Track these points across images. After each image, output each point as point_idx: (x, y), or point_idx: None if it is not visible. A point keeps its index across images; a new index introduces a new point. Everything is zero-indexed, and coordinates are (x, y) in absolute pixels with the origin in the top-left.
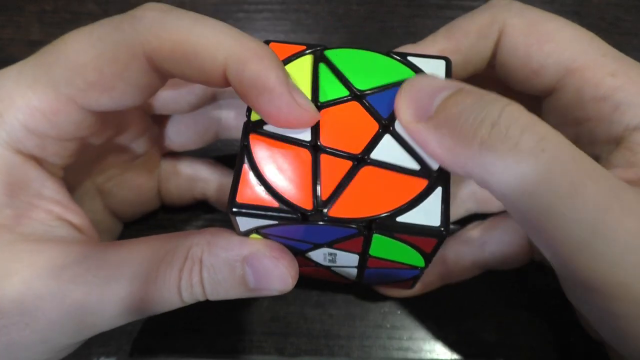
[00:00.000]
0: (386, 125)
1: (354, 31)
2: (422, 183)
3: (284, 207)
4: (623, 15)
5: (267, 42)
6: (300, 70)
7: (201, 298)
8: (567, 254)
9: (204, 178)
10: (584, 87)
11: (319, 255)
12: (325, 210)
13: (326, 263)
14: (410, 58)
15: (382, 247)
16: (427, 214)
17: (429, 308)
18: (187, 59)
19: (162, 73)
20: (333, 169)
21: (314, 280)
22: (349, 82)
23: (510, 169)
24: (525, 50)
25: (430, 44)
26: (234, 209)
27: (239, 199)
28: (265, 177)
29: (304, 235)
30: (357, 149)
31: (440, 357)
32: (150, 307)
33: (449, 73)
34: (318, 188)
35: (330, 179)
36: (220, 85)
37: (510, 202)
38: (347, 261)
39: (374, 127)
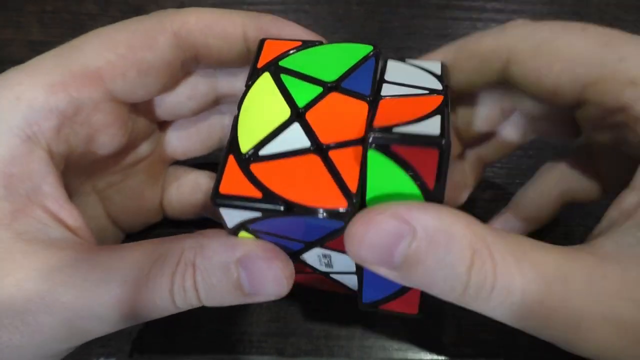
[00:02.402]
0: (373, 100)
1: (354, 31)
2: (439, 98)
3: (268, 198)
4: (623, 16)
5: (262, 40)
6: (265, 88)
7: (195, 304)
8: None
9: (206, 190)
10: (605, 99)
11: (314, 258)
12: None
13: (323, 268)
14: (407, 60)
15: (380, 184)
16: (426, 126)
17: (429, 308)
18: (210, 27)
19: (186, 48)
20: (348, 161)
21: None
22: (317, 79)
23: (490, 314)
24: (536, 74)
25: (438, 55)
26: (217, 200)
27: (222, 189)
28: (251, 169)
29: (292, 230)
30: (359, 132)
31: (440, 358)
32: (142, 313)
33: (444, 70)
34: (346, 185)
35: (350, 172)
36: (239, 51)
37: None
38: (344, 265)
39: (363, 106)
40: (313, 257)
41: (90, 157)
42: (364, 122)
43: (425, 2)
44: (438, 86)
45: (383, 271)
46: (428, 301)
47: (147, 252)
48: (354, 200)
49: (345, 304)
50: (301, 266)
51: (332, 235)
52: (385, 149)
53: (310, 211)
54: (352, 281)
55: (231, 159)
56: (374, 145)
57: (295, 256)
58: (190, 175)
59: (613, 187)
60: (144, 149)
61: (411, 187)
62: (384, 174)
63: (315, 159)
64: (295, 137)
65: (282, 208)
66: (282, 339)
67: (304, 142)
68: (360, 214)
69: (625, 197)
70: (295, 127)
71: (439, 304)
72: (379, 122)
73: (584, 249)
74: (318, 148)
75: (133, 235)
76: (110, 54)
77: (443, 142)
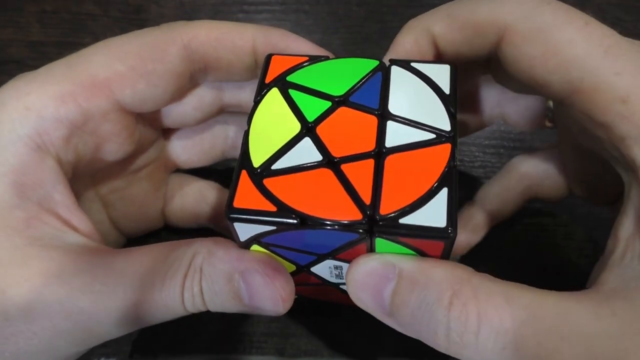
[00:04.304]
0: (382, 113)
1: (354, 32)
2: (447, 148)
3: (282, 212)
4: (623, 16)
5: (268, 56)
6: (274, 103)
7: (202, 308)
8: None
9: (210, 202)
10: (592, 110)
11: (325, 270)
12: (376, 215)
13: (333, 279)
14: (413, 64)
15: (388, 250)
16: (433, 212)
17: None
18: (220, 41)
19: (196, 61)
20: (360, 174)
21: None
22: (325, 93)
23: (482, 359)
24: (528, 63)
25: (426, 28)
26: (231, 215)
27: (237, 203)
28: (264, 184)
29: (305, 244)
30: (369, 146)
31: (440, 358)
32: (155, 316)
33: (453, 79)
34: (359, 197)
35: (363, 184)
36: (248, 64)
37: None
38: None
39: (372, 121)
40: (324, 268)
41: (97, 165)
42: (374, 135)
43: (425, 2)
44: (446, 121)
45: (381, 316)
46: None
47: (161, 255)
48: (368, 212)
49: (345, 305)
50: (310, 277)
51: (345, 247)
52: (392, 239)
53: (325, 224)
54: None
55: (244, 173)
56: (381, 235)
57: (306, 268)
58: (194, 184)
59: (579, 187)
60: (147, 155)
61: (417, 254)
62: (391, 248)
63: (327, 173)
64: (306, 151)
65: (296, 221)
66: (282, 339)
67: (316, 156)
68: (355, 260)
69: (621, 224)
70: (306, 141)
71: None
72: (385, 207)
73: (587, 291)
74: (330, 162)
75: (134, 240)
76: (119, 65)
77: (449, 233)
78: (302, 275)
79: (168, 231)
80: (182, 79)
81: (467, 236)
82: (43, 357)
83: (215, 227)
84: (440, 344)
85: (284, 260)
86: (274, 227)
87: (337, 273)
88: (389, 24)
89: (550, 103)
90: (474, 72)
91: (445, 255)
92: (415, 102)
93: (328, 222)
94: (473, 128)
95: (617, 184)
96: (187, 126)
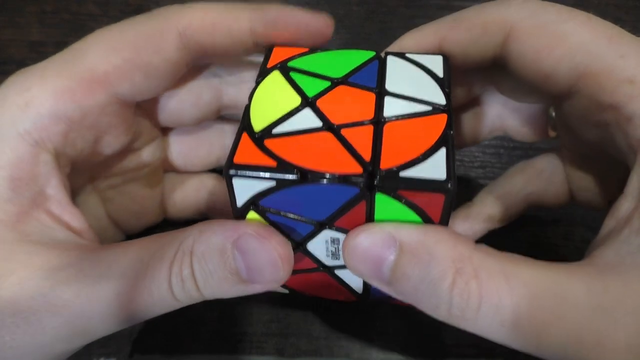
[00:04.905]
0: (380, 91)
1: (354, 32)
2: (444, 117)
3: (282, 167)
4: (623, 16)
5: (270, 47)
6: (276, 83)
7: (195, 295)
8: None
9: (211, 190)
10: (599, 94)
11: (321, 247)
12: (376, 170)
13: (329, 261)
14: (408, 55)
15: (388, 217)
16: (432, 166)
17: None
18: (216, 26)
19: (191, 49)
20: (359, 138)
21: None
22: (325, 75)
23: (481, 333)
24: (535, 55)
25: (433, 30)
26: (231, 170)
27: (237, 160)
28: (265, 144)
29: (303, 207)
30: (368, 116)
31: (440, 358)
32: (143, 308)
33: (447, 69)
34: (359, 155)
35: (363, 145)
36: (246, 46)
37: None
38: None
39: (370, 96)
40: (320, 244)
41: (96, 158)
42: (372, 108)
43: (425, 3)
44: (441, 97)
45: (378, 284)
46: None
47: (148, 245)
48: (369, 167)
49: (345, 304)
50: (305, 260)
51: (345, 209)
52: (392, 193)
53: (325, 177)
54: (357, 280)
55: (245, 135)
56: (381, 189)
57: (302, 245)
58: (195, 176)
59: (581, 195)
60: (146, 154)
61: (416, 220)
62: (391, 211)
63: (328, 135)
64: (307, 119)
65: (296, 176)
66: (282, 339)
67: (317, 123)
68: (353, 230)
69: (621, 205)
70: (307, 111)
71: None
72: (385, 162)
73: (583, 263)
74: (330, 127)
75: (133, 236)
76: (116, 58)
77: (449, 186)
78: (297, 257)
79: (167, 226)
80: (179, 67)
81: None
82: (29, 352)
83: (217, 216)
84: (440, 316)
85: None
86: (273, 184)
87: (333, 250)
88: (389, 24)
89: (552, 111)
90: (475, 84)
91: (445, 216)
92: (411, 83)
93: (328, 176)
94: (473, 140)
95: (618, 187)
96: (185, 125)
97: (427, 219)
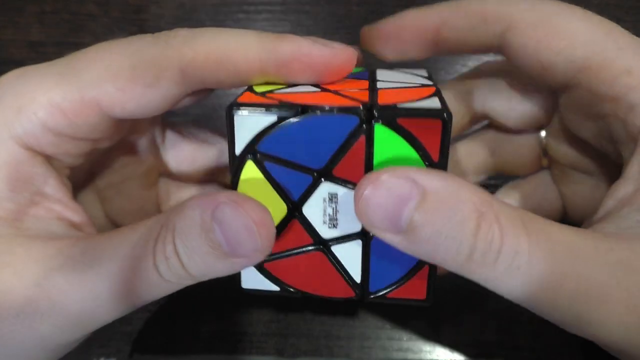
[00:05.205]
0: (372, 86)
1: (354, 32)
2: (432, 88)
3: (284, 103)
4: (623, 16)
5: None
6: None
7: (182, 274)
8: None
9: (207, 153)
10: (598, 85)
11: (318, 210)
12: (374, 106)
13: (326, 230)
14: (396, 68)
15: (386, 155)
16: (428, 103)
17: (428, 308)
18: (222, 63)
19: (192, 84)
20: (356, 94)
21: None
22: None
23: (495, 284)
24: (534, 47)
25: (435, 12)
26: (234, 107)
27: (240, 100)
28: (266, 95)
29: (303, 149)
30: (362, 97)
31: (440, 358)
32: (137, 292)
33: (432, 78)
34: (357, 99)
35: (360, 96)
36: (254, 81)
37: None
38: (350, 220)
39: (364, 83)
40: (318, 205)
41: (90, 160)
42: (366, 87)
43: (424, 3)
44: (428, 82)
45: (388, 237)
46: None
47: (138, 228)
48: (368, 104)
49: (345, 305)
50: (300, 237)
51: (345, 147)
52: (391, 123)
53: (326, 109)
54: (355, 262)
55: (247, 92)
56: (380, 119)
57: (298, 209)
58: (192, 186)
59: (574, 211)
60: (142, 148)
61: (416, 160)
62: (390, 148)
63: (327, 94)
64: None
65: (299, 108)
66: (282, 339)
67: (313, 89)
68: (368, 175)
69: (620, 187)
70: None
71: (440, 304)
72: (382, 100)
73: (586, 229)
74: (325, 90)
75: None
76: (109, 85)
77: (445, 113)
78: (292, 230)
79: None
80: (175, 99)
81: None
82: (29, 344)
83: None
84: (457, 262)
85: (276, 202)
86: (274, 119)
87: (331, 213)
88: None
89: (543, 136)
90: (467, 123)
91: (444, 151)
92: (400, 77)
93: (328, 107)
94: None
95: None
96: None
97: (426, 157)
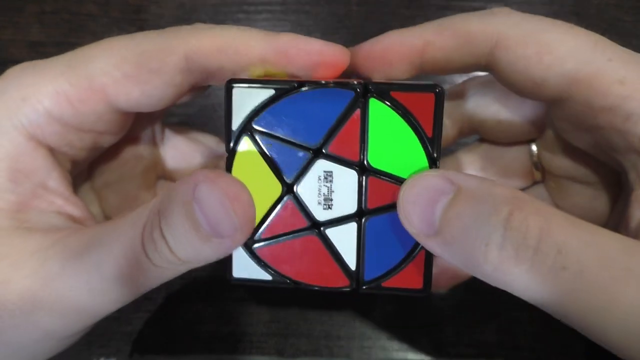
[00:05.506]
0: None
1: (354, 32)
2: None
3: (281, 80)
4: (623, 16)
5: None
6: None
7: (171, 257)
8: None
9: (205, 149)
10: (592, 97)
11: (313, 189)
12: (370, 82)
13: (320, 211)
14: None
15: (381, 138)
16: (421, 82)
17: (428, 309)
18: (225, 53)
19: (195, 73)
20: (350, 80)
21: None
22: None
23: (531, 287)
24: (524, 64)
25: (419, 33)
26: (233, 81)
27: (236, 77)
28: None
29: (299, 124)
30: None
31: (440, 358)
32: (131, 279)
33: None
34: (354, 81)
35: (355, 81)
36: (255, 70)
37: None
38: (344, 198)
39: (358, 79)
40: (312, 184)
41: (92, 155)
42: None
43: (425, 3)
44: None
45: (423, 238)
46: (428, 301)
47: (131, 215)
48: (363, 82)
49: (345, 305)
50: (294, 220)
51: (340, 122)
52: (385, 96)
53: (322, 83)
54: (350, 248)
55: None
56: (375, 92)
57: (292, 189)
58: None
59: None
60: (141, 146)
61: (411, 136)
62: (385, 124)
63: (323, 78)
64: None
65: (295, 83)
66: (282, 339)
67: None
68: (412, 177)
69: (634, 211)
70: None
71: (439, 305)
72: (377, 79)
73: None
74: (319, 82)
75: None
76: (116, 71)
77: (438, 88)
78: (285, 210)
79: None
80: (180, 89)
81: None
82: (31, 335)
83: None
84: (488, 261)
85: (270, 181)
86: (272, 92)
87: (326, 192)
88: (389, 24)
89: (533, 148)
90: (455, 135)
91: (438, 127)
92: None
93: (324, 82)
94: None
95: (607, 211)
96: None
97: (420, 133)
